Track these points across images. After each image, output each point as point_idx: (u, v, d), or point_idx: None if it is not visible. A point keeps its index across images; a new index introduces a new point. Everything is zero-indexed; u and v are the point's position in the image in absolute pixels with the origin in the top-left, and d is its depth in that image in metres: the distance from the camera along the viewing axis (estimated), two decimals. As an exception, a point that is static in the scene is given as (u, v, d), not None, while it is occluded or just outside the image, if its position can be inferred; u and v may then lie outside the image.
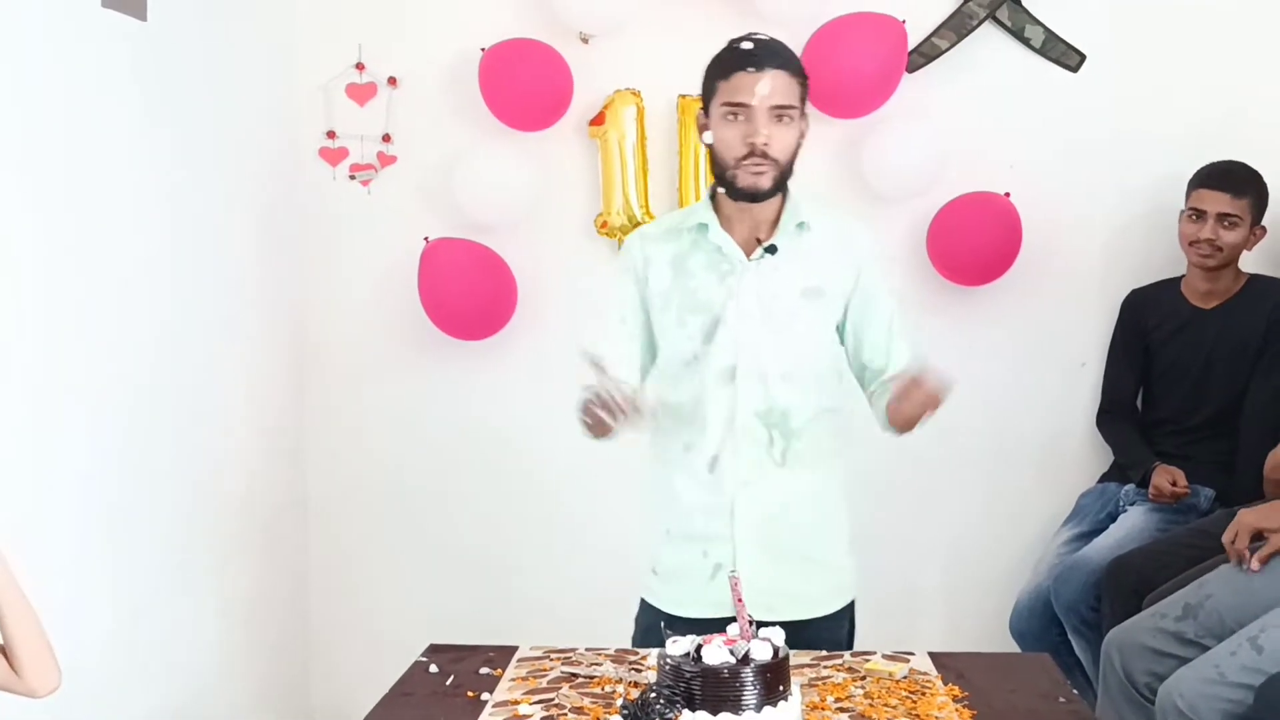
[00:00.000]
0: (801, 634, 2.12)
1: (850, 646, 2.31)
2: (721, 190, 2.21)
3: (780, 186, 2.18)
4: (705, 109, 2.21)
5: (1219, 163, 3.15)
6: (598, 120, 3.41)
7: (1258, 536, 2.57)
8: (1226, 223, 3.10)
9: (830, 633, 2.24)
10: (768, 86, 2.11)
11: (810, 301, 2.22)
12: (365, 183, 3.52)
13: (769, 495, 2.22)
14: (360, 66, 3.48)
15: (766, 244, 2.19)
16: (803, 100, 2.17)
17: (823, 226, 2.25)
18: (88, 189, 2.49)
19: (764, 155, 2.12)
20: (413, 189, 3.52)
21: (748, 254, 2.20)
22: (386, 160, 3.51)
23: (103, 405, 2.53)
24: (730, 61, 2.15)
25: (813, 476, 2.26)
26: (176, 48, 2.82)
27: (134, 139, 2.67)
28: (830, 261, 2.24)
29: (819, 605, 2.26)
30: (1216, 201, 3.09)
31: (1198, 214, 3.12)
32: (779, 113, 2.12)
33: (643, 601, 2.36)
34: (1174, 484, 3.09)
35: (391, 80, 3.48)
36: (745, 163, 2.13)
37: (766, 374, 2.19)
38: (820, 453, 2.27)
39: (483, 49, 3.35)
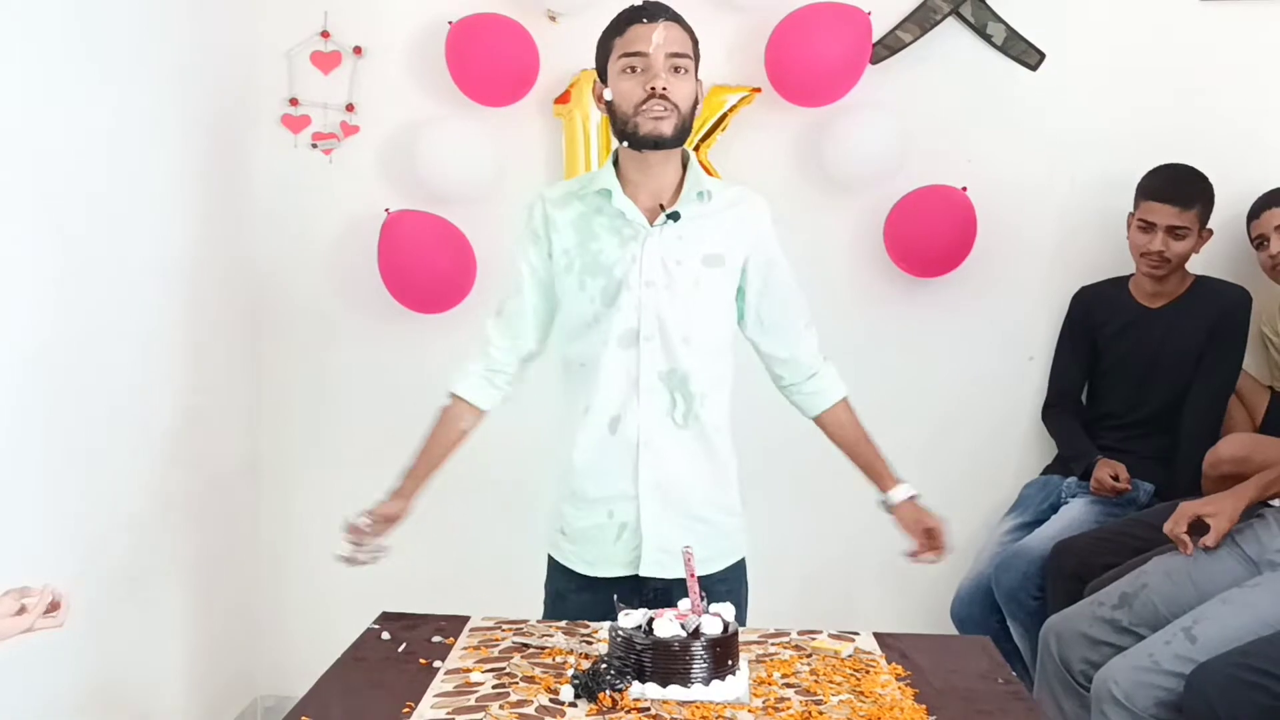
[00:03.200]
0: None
1: (745, 607, 2.39)
2: (625, 145, 2.25)
3: (681, 138, 2.23)
4: (602, 78, 2.27)
5: (1167, 169, 3.19)
6: (563, 99, 3.42)
7: (1198, 524, 2.65)
8: (1175, 234, 3.14)
9: (730, 593, 2.27)
10: (662, 35, 2.19)
11: (711, 268, 2.27)
12: (327, 152, 3.50)
13: (670, 455, 2.28)
14: (325, 34, 3.46)
15: (670, 211, 2.24)
16: (696, 57, 2.24)
17: (723, 195, 2.31)
18: (40, 150, 2.46)
19: (664, 98, 2.17)
20: (375, 160, 3.51)
21: (650, 220, 2.25)
22: (349, 130, 3.50)
23: (54, 366, 2.52)
24: (624, 19, 2.23)
25: (710, 438, 2.31)
26: (139, 7, 2.80)
27: (92, 97, 2.65)
28: (729, 229, 2.29)
29: (708, 564, 2.30)
30: (1165, 215, 3.14)
31: (1147, 225, 3.17)
32: (675, 61, 2.19)
33: (551, 561, 2.41)
34: (1115, 478, 3.15)
35: (357, 50, 3.47)
36: (645, 107, 2.18)
37: (669, 337, 2.24)
38: (718, 415, 2.33)
39: (450, 22, 3.34)
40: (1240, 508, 2.63)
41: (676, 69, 2.19)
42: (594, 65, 2.30)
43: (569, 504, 2.35)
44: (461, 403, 2.38)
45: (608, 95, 2.24)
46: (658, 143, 2.20)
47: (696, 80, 2.25)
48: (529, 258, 2.32)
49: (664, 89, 2.17)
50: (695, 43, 2.25)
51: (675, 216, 2.24)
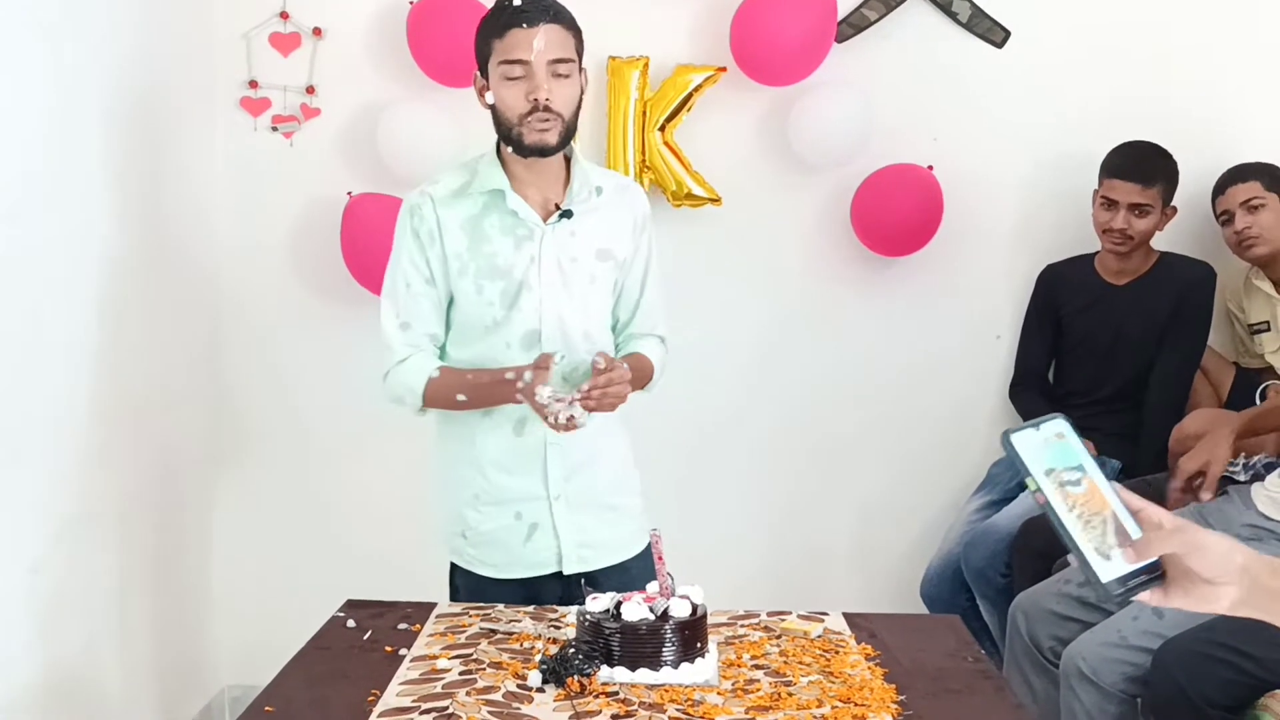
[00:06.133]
0: (622, 577, 2.24)
1: None
2: (509, 149, 2.22)
3: (566, 141, 2.21)
4: (483, 71, 2.22)
5: (1130, 147, 3.19)
6: (526, 79, 3.38)
7: (1194, 480, 2.66)
8: (1138, 212, 3.15)
9: (651, 573, 2.26)
10: (543, 41, 2.12)
11: (604, 262, 2.28)
12: (288, 135, 3.46)
13: (578, 452, 2.27)
14: (284, 15, 3.42)
15: (563, 209, 2.23)
16: (580, 54, 2.20)
17: (611, 189, 2.30)
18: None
19: (547, 109, 2.14)
20: (336, 142, 3.47)
21: (544, 218, 2.23)
22: (310, 113, 3.46)
23: (5, 355, 2.47)
24: (504, 20, 2.15)
25: (613, 429, 2.33)
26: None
27: (47, 77, 2.60)
28: (617, 222, 2.30)
29: (625, 549, 2.33)
30: (1128, 192, 3.14)
31: (1110, 203, 3.18)
32: (557, 68, 2.15)
33: (454, 568, 2.37)
34: (1082, 455, 3.16)
35: (316, 31, 3.43)
36: (529, 119, 2.15)
37: (570, 335, 2.24)
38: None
39: (410, 2, 3.31)
40: (1229, 444, 2.64)
41: (558, 74, 2.15)
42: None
43: (470, 508, 2.31)
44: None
45: (489, 99, 2.20)
46: (543, 152, 2.18)
47: (582, 71, 2.21)
48: (424, 260, 2.25)
49: (547, 100, 2.13)
50: (579, 37, 2.20)
51: (569, 214, 2.23)
